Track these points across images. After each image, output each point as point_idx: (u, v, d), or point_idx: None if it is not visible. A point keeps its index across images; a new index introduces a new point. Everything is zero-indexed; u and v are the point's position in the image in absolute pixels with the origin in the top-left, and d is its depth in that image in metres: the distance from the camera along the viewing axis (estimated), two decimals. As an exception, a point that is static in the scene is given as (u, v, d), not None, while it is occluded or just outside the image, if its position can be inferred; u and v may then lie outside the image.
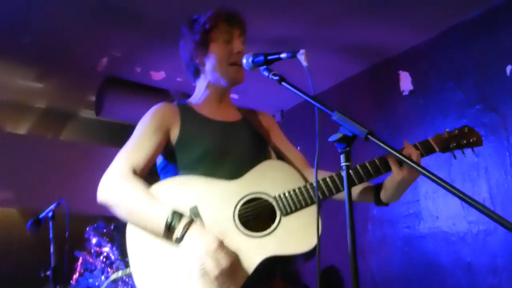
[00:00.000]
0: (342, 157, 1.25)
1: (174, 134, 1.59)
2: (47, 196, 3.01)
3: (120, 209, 1.41)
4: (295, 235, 1.43)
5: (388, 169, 1.51)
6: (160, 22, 2.95)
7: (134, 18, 2.89)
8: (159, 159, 1.65)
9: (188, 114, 1.65)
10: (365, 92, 3.61)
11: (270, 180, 1.51)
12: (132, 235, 1.43)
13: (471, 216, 2.75)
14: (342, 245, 3.56)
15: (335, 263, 3.47)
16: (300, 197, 1.47)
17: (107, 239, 3.00)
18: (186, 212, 1.40)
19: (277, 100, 4.18)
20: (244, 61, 1.52)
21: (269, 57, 1.50)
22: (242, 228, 1.41)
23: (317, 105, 1.36)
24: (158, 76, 3.64)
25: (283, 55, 1.48)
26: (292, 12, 2.90)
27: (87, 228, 3.00)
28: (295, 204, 1.47)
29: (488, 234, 2.67)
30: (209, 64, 1.67)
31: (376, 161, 1.54)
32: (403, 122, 3.28)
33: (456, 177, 2.86)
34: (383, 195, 1.55)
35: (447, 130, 1.62)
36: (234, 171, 1.53)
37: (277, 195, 1.47)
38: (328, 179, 1.51)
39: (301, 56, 1.45)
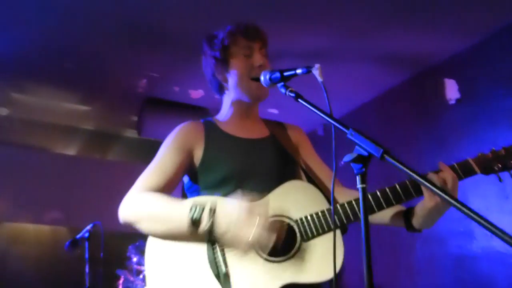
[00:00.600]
0: (358, 178, 1.16)
1: (198, 155, 1.57)
2: (94, 214, 3.08)
3: (143, 222, 1.39)
4: (314, 262, 1.36)
5: (419, 193, 1.40)
6: (194, 42, 2.97)
7: (168, 39, 2.94)
8: (186, 179, 1.62)
9: (213, 132, 1.62)
10: (408, 103, 3.44)
11: (292, 201, 1.44)
12: (152, 253, 1.40)
13: (529, 234, 2.51)
14: (388, 264, 3.35)
15: (380, 282, 3.30)
16: (322, 221, 1.39)
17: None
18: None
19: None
20: (262, 78, 1.49)
21: (286, 74, 1.46)
22: (260, 251, 1.35)
23: (333, 122, 1.28)
24: (196, 94, 3.67)
25: (298, 71, 1.43)
26: (322, 24, 2.82)
27: (129, 247, 3.04)
28: (317, 229, 1.39)
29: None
30: (232, 80, 1.64)
31: (408, 183, 1.43)
32: (449, 133, 3.07)
33: (511, 192, 2.63)
34: (415, 221, 1.44)
35: (493, 149, 1.45)
36: (260, 191, 1.47)
37: (298, 219, 1.41)
38: (346, 204, 1.41)
39: (316, 71, 1.40)
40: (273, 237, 1.27)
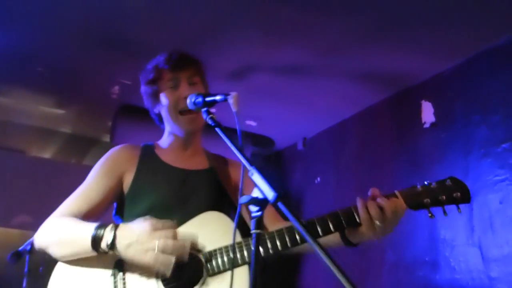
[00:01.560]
0: (252, 222, 1.08)
1: (127, 181, 1.52)
2: None
3: (52, 246, 1.36)
4: None
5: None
6: (163, 50, 2.92)
7: (139, 48, 2.89)
8: (114, 206, 1.57)
9: (148, 159, 1.57)
10: (386, 122, 3.34)
11: (206, 233, 1.37)
12: (56, 279, 1.35)
13: (493, 272, 2.40)
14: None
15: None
16: (230, 256, 1.32)
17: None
18: None
19: (299, 126, 3.99)
20: (188, 101, 1.46)
21: (207, 99, 1.40)
22: (161, 276, 1.29)
23: (241, 157, 1.20)
24: (171, 103, 3.60)
25: (218, 97, 1.38)
26: (301, 39, 2.74)
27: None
28: (223, 264, 1.31)
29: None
30: (163, 113, 1.62)
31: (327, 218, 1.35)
32: (424, 157, 2.97)
33: (478, 224, 2.52)
34: (350, 237, 1.38)
35: (428, 182, 1.39)
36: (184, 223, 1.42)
37: (207, 252, 1.33)
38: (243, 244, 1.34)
39: (231, 100, 1.33)
40: (173, 258, 1.21)
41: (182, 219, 1.42)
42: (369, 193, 1.35)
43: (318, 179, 3.86)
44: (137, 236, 1.22)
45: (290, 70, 3.10)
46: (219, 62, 3.04)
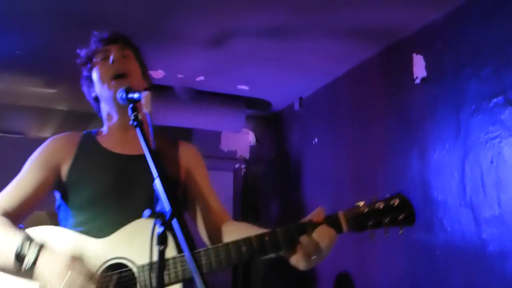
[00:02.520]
0: (156, 238, 1.02)
1: (64, 171, 1.46)
2: None
3: None
4: None
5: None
6: (142, 25, 2.82)
7: (107, 22, 2.79)
8: (57, 195, 1.52)
9: (86, 147, 1.51)
10: (377, 78, 3.16)
11: (139, 243, 1.28)
12: None
13: (484, 233, 2.30)
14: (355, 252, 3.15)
15: (348, 270, 3.21)
16: (168, 270, 1.23)
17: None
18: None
19: (294, 86, 3.85)
20: (118, 95, 1.39)
21: (129, 96, 1.33)
22: None
23: (151, 163, 1.12)
24: (157, 74, 3.52)
25: (135, 95, 1.30)
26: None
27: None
28: (159, 280, 1.26)
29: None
30: (97, 88, 1.54)
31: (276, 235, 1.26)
32: (415, 113, 2.82)
33: (470, 184, 2.40)
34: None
35: (374, 199, 1.29)
36: (126, 215, 1.35)
37: (141, 265, 1.27)
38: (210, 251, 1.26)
39: (143, 100, 1.25)
40: None
41: (121, 210, 1.38)
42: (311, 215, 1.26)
43: (316, 139, 3.76)
44: (50, 270, 1.19)
45: (273, 32, 2.93)
46: (194, 32, 2.91)
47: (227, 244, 1.24)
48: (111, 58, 1.49)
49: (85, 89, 1.63)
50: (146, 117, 1.17)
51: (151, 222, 1.34)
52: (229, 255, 1.23)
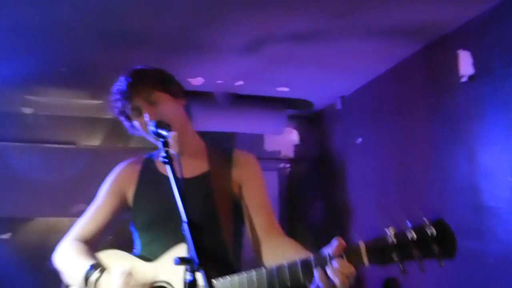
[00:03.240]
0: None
1: (129, 198, 1.61)
2: None
3: (61, 271, 1.53)
4: None
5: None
6: (168, 35, 2.87)
7: (146, 38, 2.86)
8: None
9: (147, 173, 1.63)
10: (420, 77, 3.02)
11: (180, 268, 1.35)
12: None
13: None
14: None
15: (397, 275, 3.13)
16: None
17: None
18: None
19: (336, 85, 3.77)
20: (149, 128, 1.43)
21: (158, 131, 1.35)
22: None
23: (180, 205, 1.13)
24: (196, 81, 3.56)
25: (164, 133, 1.32)
26: (315, 4, 2.50)
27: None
28: None
29: None
30: (143, 134, 1.66)
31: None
32: (462, 114, 2.67)
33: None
34: None
35: (404, 228, 1.12)
36: (173, 240, 1.43)
37: None
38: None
39: (171, 140, 1.26)
40: None
41: (168, 235, 1.44)
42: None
43: (360, 139, 3.67)
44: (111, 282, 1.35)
45: (310, 36, 2.88)
46: (231, 40, 2.91)
47: (251, 275, 1.25)
48: (147, 120, 1.51)
49: (127, 126, 1.70)
50: (175, 158, 1.19)
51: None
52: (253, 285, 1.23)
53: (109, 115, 4.27)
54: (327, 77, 3.57)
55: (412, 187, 3.02)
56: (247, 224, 1.56)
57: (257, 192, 1.59)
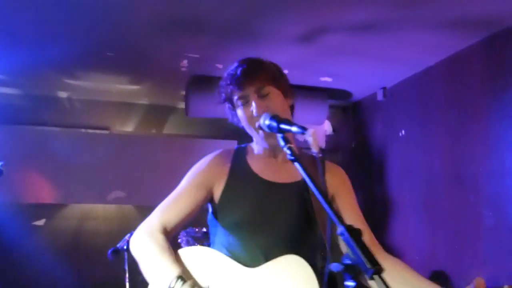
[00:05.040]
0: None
1: (217, 193, 1.53)
2: (156, 192, 3.19)
3: (140, 265, 1.44)
4: None
5: None
6: (225, 23, 2.81)
7: (202, 23, 2.79)
8: (209, 209, 1.60)
9: (238, 168, 1.55)
10: (478, 69, 2.97)
11: (284, 278, 1.36)
12: None
13: None
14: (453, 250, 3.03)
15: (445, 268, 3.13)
16: None
17: (197, 243, 3.08)
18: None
19: (378, 76, 3.72)
20: (261, 121, 1.39)
21: (282, 127, 1.31)
22: None
23: (329, 212, 1.09)
24: (241, 69, 3.49)
25: (294, 129, 1.27)
26: None
27: (181, 232, 3.11)
28: None
29: None
30: (243, 124, 1.56)
31: None
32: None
33: None
34: None
35: None
36: (271, 243, 1.44)
37: None
38: None
39: (310, 138, 1.22)
40: None
41: (265, 238, 1.44)
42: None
43: (403, 131, 3.63)
44: None
45: (364, 27, 2.83)
46: (285, 28, 2.86)
47: None
48: (254, 111, 1.46)
49: (227, 113, 1.62)
50: (316, 158, 1.15)
51: (295, 260, 1.38)
52: None
53: (144, 100, 4.27)
54: (370, 67, 3.52)
55: (466, 182, 3.00)
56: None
57: (355, 206, 1.59)
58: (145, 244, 1.43)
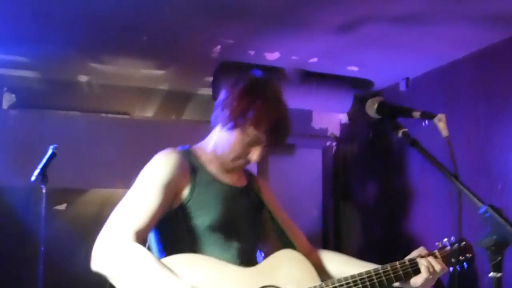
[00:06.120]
0: (491, 265, 1.05)
1: (184, 195, 1.47)
2: None
3: (118, 279, 1.30)
4: None
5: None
6: (268, 9, 2.81)
7: (238, 8, 2.78)
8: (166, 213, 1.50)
9: (197, 171, 1.52)
10: (509, 63, 3.07)
11: (285, 273, 1.43)
12: None
13: None
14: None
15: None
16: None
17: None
18: None
19: (400, 66, 3.79)
20: (369, 105, 1.42)
21: (397, 114, 1.34)
22: None
23: (461, 187, 1.14)
24: (272, 56, 3.51)
25: (416, 114, 1.31)
26: None
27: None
28: None
29: None
30: (224, 137, 1.52)
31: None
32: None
33: None
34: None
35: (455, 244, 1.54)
36: (241, 245, 1.51)
37: None
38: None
39: (439, 123, 1.26)
40: None
41: (237, 240, 1.49)
42: (436, 246, 1.54)
43: (426, 122, 3.71)
44: None
45: (403, 18, 2.87)
46: (325, 17, 2.88)
47: (365, 274, 1.44)
48: (253, 157, 1.52)
49: (220, 100, 1.58)
50: (447, 143, 1.19)
51: (292, 253, 1.47)
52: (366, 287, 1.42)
53: (165, 86, 4.24)
54: (395, 57, 3.58)
55: (493, 173, 3.10)
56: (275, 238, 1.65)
57: (280, 206, 1.77)
58: (131, 255, 1.29)
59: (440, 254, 1.51)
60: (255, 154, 1.50)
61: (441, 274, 1.48)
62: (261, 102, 1.46)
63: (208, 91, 4.10)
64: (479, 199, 1.09)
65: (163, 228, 1.49)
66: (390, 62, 3.69)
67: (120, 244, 1.31)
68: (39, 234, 2.89)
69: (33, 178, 2.66)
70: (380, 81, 4.10)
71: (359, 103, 4.43)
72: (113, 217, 1.40)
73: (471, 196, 1.11)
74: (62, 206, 3.87)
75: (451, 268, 1.51)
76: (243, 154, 1.51)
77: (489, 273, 1.04)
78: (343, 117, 4.61)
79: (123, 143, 3.95)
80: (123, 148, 3.94)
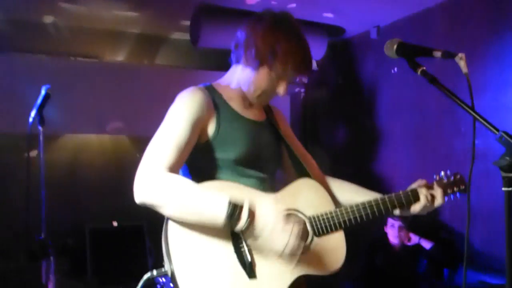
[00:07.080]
0: (504, 181, 1.21)
1: (211, 131, 1.53)
2: (151, 122, 3.20)
3: (169, 207, 1.35)
4: (325, 256, 1.53)
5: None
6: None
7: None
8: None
9: (221, 107, 1.58)
10: (480, 14, 3.26)
11: (305, 199, 1.59)
12: (175, 234, 1.39)
13: None
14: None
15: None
16: (333, 221, 1.56)
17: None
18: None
19: (372, 14, 3.91)
20: (388, 46, 1.47)
21: (417, 54, 1.44)
22: (289, 259, 1.43)
23: (477, 117, 1.29)
24: (252, 0, 3.50)
25: (436, 54, 1.41)
26: None
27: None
28: (327, 227, 1.55)
29: None
30: (250, 75, 1.56)
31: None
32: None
33: None
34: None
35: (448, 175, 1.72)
36: (264, 176, 1.60)
37: (311, 216, 1.56)
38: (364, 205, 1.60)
39: (460, 61, 1.37)
40: (302, 246, 1.41)
41: (264, 172, 1.60)
42: (434, 178, 1.69)
43: (395, 69, 3.91)
44: (270, 229, 1.33)
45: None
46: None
47: (373, 202, 1.61)
48: (280, 90, 1.57)
49: (243, 41, 1.55)
50: (467, 79, 1.31)
51: (310, 182, 1.62)
52: (374, 212, 1.60)
53: (137, 29, 4.10)
54: (364, 4, 3.68)
55: (458, 116, 3.35)
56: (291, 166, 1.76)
57: (293, 134, 1.86)
58: (173, 184, 1.34)
59: (437, 185, 1.66)
60: (281, 88, 1.56)
61: (437, 203, 1.64)
62: (285, 38, 1.50)
63: (183, 35, 4.04)
64: (494, 127, 1.23)
65: (191, 163, 1.54)
66: (362, 10, 3.79)
67: (159, 175, 1.36)
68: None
69: (30, 119, 2.57)
70: (351, 28, 4.21)
71: (331, 49, 4.54)
72: (147, 155, 1.40)
73: (486, 124, 1.25)
74: (34, 153, 3.77)
75: (446, 198, 1.68)
76: (270, 89, 1.56)
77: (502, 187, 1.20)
78: (313, 64, 4.71)
79: (94, 88, 3.85)
80: (94, 93, 3.85)
